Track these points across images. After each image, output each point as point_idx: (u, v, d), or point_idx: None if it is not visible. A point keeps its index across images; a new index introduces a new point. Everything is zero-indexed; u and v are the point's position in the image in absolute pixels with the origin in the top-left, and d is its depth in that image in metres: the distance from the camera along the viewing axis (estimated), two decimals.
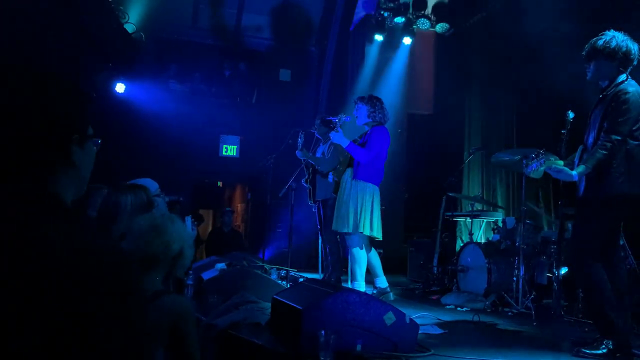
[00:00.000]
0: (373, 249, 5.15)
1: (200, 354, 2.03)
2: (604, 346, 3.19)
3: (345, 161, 5.44)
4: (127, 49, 8.17)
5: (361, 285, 4.89)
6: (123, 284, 0.88)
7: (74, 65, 6.62)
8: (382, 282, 5.09)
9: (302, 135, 6.03)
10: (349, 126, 6.33)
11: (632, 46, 3.28)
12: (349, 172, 5.15)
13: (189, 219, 3.86)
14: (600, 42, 3.32)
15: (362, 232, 4.89)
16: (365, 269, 5.03)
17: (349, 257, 5.14)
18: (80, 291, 0.82)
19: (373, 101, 5.17)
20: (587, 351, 3.20)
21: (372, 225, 4.93)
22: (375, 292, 5.00)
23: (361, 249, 4.99)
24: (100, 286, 0.84)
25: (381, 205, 5.12)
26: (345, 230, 4.98)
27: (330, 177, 5.83)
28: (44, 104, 0.98)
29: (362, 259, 4.99)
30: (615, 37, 3.30)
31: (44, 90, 0.99)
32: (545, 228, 6.13)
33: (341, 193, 5.12)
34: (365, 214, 4.90)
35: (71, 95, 1.04)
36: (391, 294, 5.07)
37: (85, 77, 7.24)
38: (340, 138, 5.07)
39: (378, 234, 4.97)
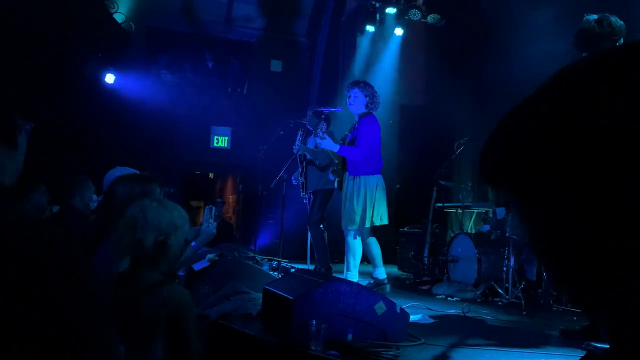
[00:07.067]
0: (374, 238, 5.05)
1: (199, 344, 2.02)
2: None
3: (339, 156, 5.37)
4: (116, 39, 8.09)
5: (354, 276, 4.89)
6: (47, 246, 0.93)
7: (62, 55, 6.55)
8: (381, 273, 5.01)
9: (302, 133, 5.91)
10: (338, 118, 6.30)
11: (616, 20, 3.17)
12: (348, 169, 5.10)
13: (208, 210, 3.38)
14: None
15: (367, 227, 4.88)
16: (359, 260, 5.03)
17: (345, 247, 5.13)
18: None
19: (370, 91, 5.05)
20: (598, 345, 3.20)
21: (382, 215, 4.92)
22: (372, 282, 4.96)
23: (356, 239, 4.99)
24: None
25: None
26: (351, 227, 4.94)
27: (331, 176, 5.78)
28: None
29: (358, 250, 5.00)
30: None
31: None
32: None
33: (344, 191, 5.06)
34: (374, 207, 4.88)
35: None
36: (388, 286, 5.00)
37: (74, 68, 7.17)
38: (329, 144, 4.97)
39: (385, 221, 4.98)
